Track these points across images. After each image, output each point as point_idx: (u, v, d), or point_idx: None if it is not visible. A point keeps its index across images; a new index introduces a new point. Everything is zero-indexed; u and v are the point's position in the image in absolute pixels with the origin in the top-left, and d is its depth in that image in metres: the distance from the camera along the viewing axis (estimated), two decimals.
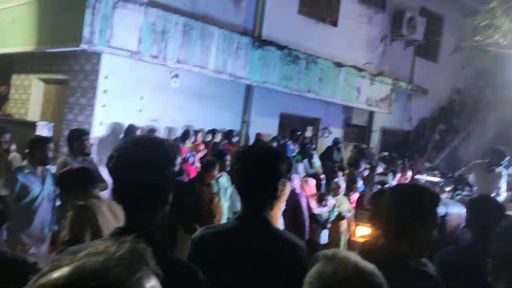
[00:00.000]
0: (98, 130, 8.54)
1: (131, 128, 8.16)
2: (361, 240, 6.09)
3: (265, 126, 10.95)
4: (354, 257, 1.22)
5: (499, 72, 15.12)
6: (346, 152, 12.93)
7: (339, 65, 11.93)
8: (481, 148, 13.95)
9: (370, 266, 1.21)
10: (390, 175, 7.88)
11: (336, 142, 11.74)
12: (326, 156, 11.04)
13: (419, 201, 2.05)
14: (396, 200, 2.09)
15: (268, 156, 2.10)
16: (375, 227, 2.43)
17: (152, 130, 8.46)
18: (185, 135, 8.76)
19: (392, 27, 13.83)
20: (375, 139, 14.27)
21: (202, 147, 8.96)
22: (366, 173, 9.61)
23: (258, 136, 9.90)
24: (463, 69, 15.88)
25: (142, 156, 1.61)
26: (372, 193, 4.63)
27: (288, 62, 10.75)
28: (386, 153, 12.11)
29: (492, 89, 15.81)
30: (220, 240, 2.01)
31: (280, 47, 10.48)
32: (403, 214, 2.02)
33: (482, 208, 2.93)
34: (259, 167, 2.05)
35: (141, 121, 8.80)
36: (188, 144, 8.60)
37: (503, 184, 6.65)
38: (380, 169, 9.40)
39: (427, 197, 2.06)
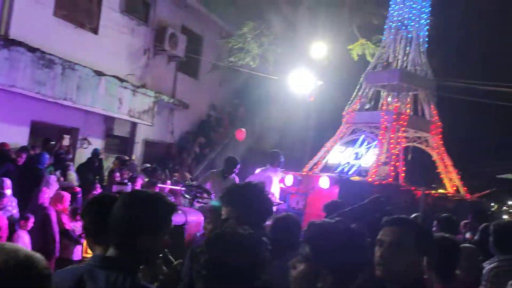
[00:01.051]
0: None
1: None
2: None
3: (13, 134, 9.74)
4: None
5: (251, 92, 16.68)
6: (108, 164, 12.46)
7: (99, 73, 11.49)
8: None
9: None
10: (129, 184, 7.86)
11: (95, 153, 11.20)
12: (85, 168, 10.42)
13: (151, 209, 1.97)
14: (127, 207, 1.96)
15: None
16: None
17: None
18: None
19: (155, 41, 13.98)
20: (137, 151, 14.12)
21: None
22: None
23: (2, 146, 8.72)
24: (221, 86, 16.99)
25: None
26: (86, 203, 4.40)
27: (41, 66, 9.87)
28: (148, 165, 12.10)
29: (245, 106, 17.32)
30: None
31: (31, 49, 9.55)
32: (131, 221, 1.92)
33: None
34: None
35: None
36: None
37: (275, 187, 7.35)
38: (140, 181, 9.28)
39: (159, 205, 1.99)
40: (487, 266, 3.55)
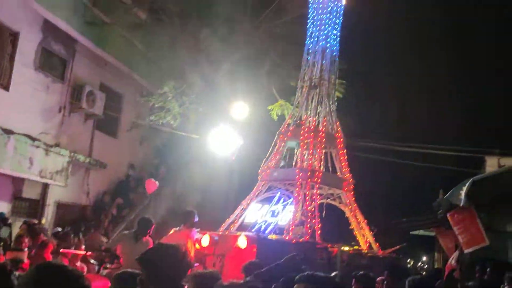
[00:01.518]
0: None
1: None
2: None
3: None
4: None
5: (172, 151, 16.43)
6: (16, 229, 11.47)
7: (8, 132, 10.82)
8: (156, 220, 14.51)
9: None
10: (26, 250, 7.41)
11: (1, 218, 10.28)
12: None
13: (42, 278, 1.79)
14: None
15: None
16: None
17: None
18: None
19: (72, 99, 13.56)
20: (49, 214, 13.19)
21: None
22: None
23: None
24: (141, 145, 16.60)
25: None
26: None
27: None
28: (59, 229, 11.32)
29: (166, 165, 16.95)
30: None
31: None
32: None
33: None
34: None
35: None
36: None
37: None
38: (50, 247, 8.59)
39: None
40: None
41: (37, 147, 11.86)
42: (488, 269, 5.59)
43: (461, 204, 5.41)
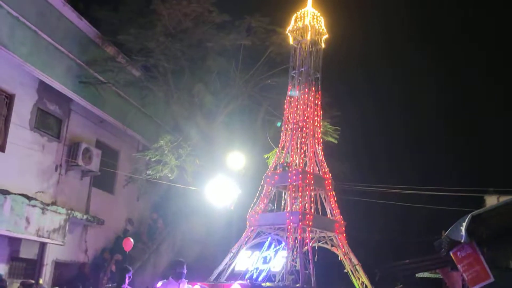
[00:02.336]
0: None
1: None
2: None
3: None
4: None
5: (171, 204, 16.27)
6: None
7: (5, 192, 10.80)
8: (157, 275, 14.19)
9: None
10: None
11: None
12: None
13: None
14: None
15: None
16: None
17: None
18: None
19: (68, 157, 13.64)
20: (46, 274, 12.86)
21: None
22: None
23: None
24: (138, 200, 16.47)
25: None
26: None
27: None
28: None
29: (165, 218, 16.74)
30: None
31: None
32: None
33: None
34: None
35: None
36: None
37: None
38: None
39: None
40: None
41: (34, 206, 11.75)
42: None
43: (462, 240, 5.27)
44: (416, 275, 14.84)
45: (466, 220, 5.24)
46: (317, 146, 12.72)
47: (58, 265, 13.53)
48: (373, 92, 24.95)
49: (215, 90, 15.48)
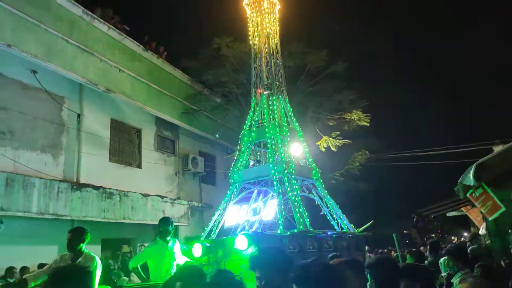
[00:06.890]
0: None
1: None
2: None
3: None
4: None
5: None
6: None
7: (146, 195, 11.56)
8: None
9: None
10: None
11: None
12: None
13: None
14: None
15: None
16: None
17: None
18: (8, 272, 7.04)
19: (182, 165, 14.23)
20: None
21: None
22: None
23: None
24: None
25: None
26: None
27: (104, 198, 9.96)
28: None
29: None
30: None
31: (96, 188, 9.72)
32: None
33: None
34: None
35: None
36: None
37: None
38: None
39: None
40: None
41: (166, 202, 12.47)
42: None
43: (472, 184, 5.10)
44: (447, 214, 14.14)
45: (473, 168, 5.06)
46: (286, 100, 10.08)
47: (186, 240, 14.26)
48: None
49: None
